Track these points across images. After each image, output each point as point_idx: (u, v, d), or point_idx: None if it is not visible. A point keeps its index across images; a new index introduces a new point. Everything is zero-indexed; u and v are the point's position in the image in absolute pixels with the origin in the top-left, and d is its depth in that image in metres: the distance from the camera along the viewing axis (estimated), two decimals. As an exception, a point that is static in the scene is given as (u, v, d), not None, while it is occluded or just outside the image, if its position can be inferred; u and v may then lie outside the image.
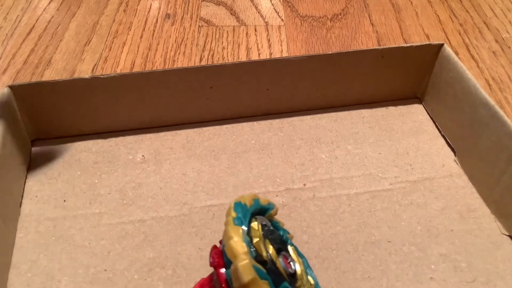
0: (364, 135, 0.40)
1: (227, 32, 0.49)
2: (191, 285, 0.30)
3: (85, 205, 0.35)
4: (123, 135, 0.40)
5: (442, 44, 0.40)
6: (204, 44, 0.47)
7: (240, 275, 0.21)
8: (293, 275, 0.25)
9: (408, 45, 0.40)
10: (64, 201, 0.35)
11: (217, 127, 0.40)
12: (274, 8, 0.52)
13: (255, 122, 0.41)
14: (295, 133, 0.40)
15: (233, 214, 0.24)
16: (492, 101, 0.34)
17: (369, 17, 0.50)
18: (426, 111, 0.42)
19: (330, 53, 0.39)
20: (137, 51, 0.47)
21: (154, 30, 0.49)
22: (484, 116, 0.35)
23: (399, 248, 0.32)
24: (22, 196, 0.35)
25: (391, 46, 0.40)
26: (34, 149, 0.39)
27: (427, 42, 0.40)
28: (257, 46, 0.47)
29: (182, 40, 0.48)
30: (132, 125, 0.40)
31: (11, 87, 0.36)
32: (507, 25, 0.50)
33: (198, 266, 0.31)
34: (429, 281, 0.30)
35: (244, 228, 0.23)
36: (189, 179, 0.36)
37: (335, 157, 0.38)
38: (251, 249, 0.23)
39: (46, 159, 0.38)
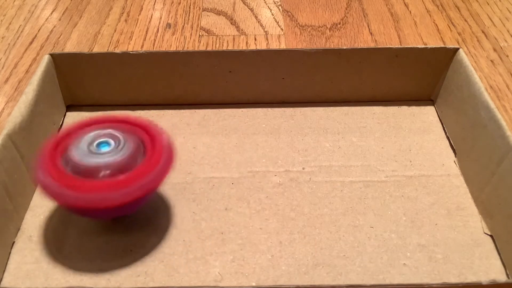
0: (371, 129, 0.41)
1: (227, 41, 0.52)
2: (179, 242, 0.33)
3: (102, 165, 0.38)
4: (148, 109, 0.43)
5: (458, 49, 0.40)
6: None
7: None
8: None
9: (422, 46, 0.41)
10: (85, 159, 0.39)
11: (234, 109, 0.43)
12: (274, 18, 0.54)
13: (269, 109, 0.43)
14: (305, 122, 0.42)
15: None
16: (492, 104, 0.35)
17: (368, 26, 0.52)
18: (437, 113, 0.43)
19: (344, 48, 0.41)
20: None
21: (155, 40, 0.52)
22: (483, 119, 0.35)
23: (379, 234, 0.34)
24: (50, 151, 0.39)
25: (406, 46, 0.41)
26: (68, 113, 0.43)
27: (443, 45, 0.41)
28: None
29: (182, 49, 0.50)
30: (157, 100, 0.43)
31: (51, 55, 0.41)
32: (505, 34, 0.50)
33: (189, 228, 0.34)
34: (401, 266, 0.32)
35: None
36: (198, 152, 0.40)
37: (338, 146, 0.40)
38: None
39: (77, 123, 0.42)
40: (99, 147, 0.31)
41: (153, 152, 0.31)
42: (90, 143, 0.31)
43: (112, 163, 0.30)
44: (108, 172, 0.29)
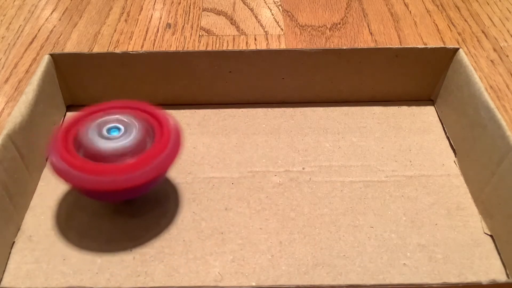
0: (371, 129, 0.41)
1: (227, 41, 0.52)
2: (179, 242, 0.33)
3: (102, 165, 0.38)
4: (148, 109, 0.43)
5: (458, 49, 0.40)
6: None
7: None
8: None
9: (422, 46, 0.41)
10: (85, 159, 0.39)
11: (234, 110, 0.43)
12: (274, 18, 0.54)
13: (269, 109, 0.43)
14: (305, 122, 0.42)
15: None
16: (492, 104, 0.35)
17: (368, 26, 0.52)
18: (437, 113, 0.43)
19: (344, 48, 0.41)
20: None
21: (155, 40, 0.52)
22: (483, 119, 0.35)
23: (379, 234, 0.34)
24: (50, 151, 0.40)
25: (406, 46, 0.41)
26: (68, 113, 0.43)
27: (443, 45, 0.41)
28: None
29: (182, 49, 0.51)
30: (156, 100, 0.43)
31: (51, 55, 0.41)
32: (505, 34, 0.50)
33: (189, 228, 0.34)
34: (401, 266, 0.32)
35: None
36: (198, 152, 0.39)
37: (338, 146, 0.40)
38: None
39: (77, 123, 0.42)
40: (110, 132, 0.32)
41: (162, 136, 0.32)
42: (101, 128, 0.32)
43: (122, 147, 0.31)
44: (118, 155, 0.31)
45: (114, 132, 0.32)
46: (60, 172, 0.31)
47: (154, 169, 0.31)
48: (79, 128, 0.33)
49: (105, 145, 0.31)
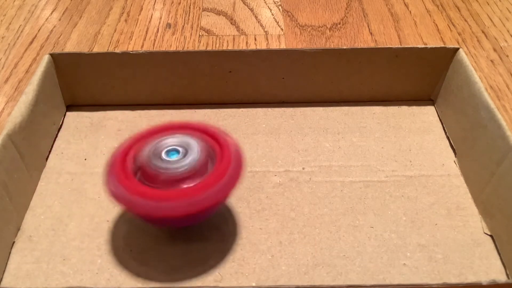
0: (371, 129, 0.41)
1: (227, 41, 0.52)
2: (179, 242, 0.33)
3: (102, 165, 0.38)
4: (148, 109, 0.43)
5: (458, 49, 0.40)
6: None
7: None
8: None
9: (422, 46, 0.41)
10: (85, 159, 0.39)
11: (234, 109, 0.43)
12: (274, 18, 0.54)
13: (269, 109, 0.43)
14: (305, 122, 0.42)
15: None
16: (492, 104, 0.35)
17: (368, 26, 0.52)
18: (437, 113, 0.43)
19: (344, 48, 0.41)
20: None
21: (155, 40, 0.52)
22: (483, 119, 0.35)
23: (379, 234, 0.34)
24: (50, 151, 0.39)
25: (406, 46, 0.41)
26: (68, 113, 0.43)
27: (443, 45, 0.41)
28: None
29: (182, 49, 0.50)
30: (156, 100, 0.43)
31: (51, 55, 0.41)
32: (505, 34, 0.50)
33: (189, 227, 0.34)
34: (401, 267, 0.32)
35: None
36: (198, 152, 0.39)
37: (338, 147, 0.40)
38: None
39: (77, 122, 0.42)
40: (169, 155, 0.30)
41: (222, 161, 0.30)
42: (160, 151, 0.30)
43: (182, 172, 0.29)
44: (177, 180, 0.29)
45: (173, 155, 0.30)
46: (117, 197, 0.30)
47: (209, 198, 0.29)
48: (137, 151, 0.31)
49: (163, 168, 0.30)
